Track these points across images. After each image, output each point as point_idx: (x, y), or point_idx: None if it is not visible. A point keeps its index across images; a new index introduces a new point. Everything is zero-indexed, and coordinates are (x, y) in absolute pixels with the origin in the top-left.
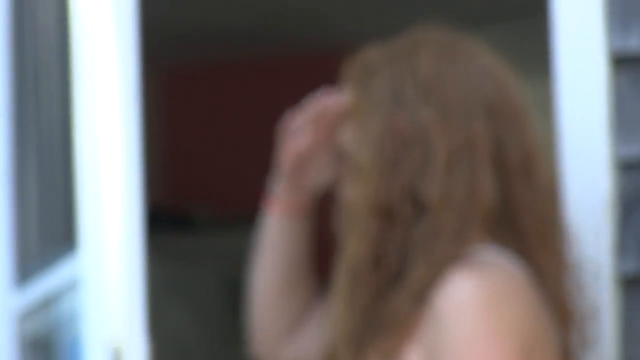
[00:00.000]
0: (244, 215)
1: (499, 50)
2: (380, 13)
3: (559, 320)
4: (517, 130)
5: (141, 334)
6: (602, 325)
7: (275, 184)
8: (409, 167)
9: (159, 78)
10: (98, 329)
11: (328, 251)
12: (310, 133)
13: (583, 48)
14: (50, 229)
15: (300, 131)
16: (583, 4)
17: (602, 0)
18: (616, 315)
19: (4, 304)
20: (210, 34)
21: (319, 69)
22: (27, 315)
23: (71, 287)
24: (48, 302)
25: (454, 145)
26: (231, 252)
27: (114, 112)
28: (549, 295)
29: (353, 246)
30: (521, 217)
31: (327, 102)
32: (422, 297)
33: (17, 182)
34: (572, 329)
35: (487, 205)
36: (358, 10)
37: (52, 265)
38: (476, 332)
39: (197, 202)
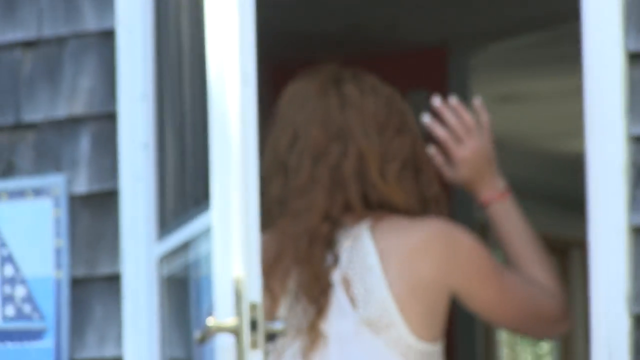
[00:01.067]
0: None
1: (546, 51)
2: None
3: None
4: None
5: (257, 271)
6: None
7: None
8: None
9: (269, 72)
10: (224, 267)
11: None
12: None
13: (604, 47)
14: (188, 191)
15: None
16: (606, 14)
17: (621, 9)
18: (629, 258)
19: (149, 251)
20: (308, 36)
21: (400, 69)
22: (167, 258)
23: (205, 235)
24: (185, 248)
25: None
26: None
27: (237, 102)
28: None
29: None
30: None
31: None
32: None
33: (160, 156)
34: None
35: (270, 201)
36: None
37: (190, 218)
38: None
39: None
